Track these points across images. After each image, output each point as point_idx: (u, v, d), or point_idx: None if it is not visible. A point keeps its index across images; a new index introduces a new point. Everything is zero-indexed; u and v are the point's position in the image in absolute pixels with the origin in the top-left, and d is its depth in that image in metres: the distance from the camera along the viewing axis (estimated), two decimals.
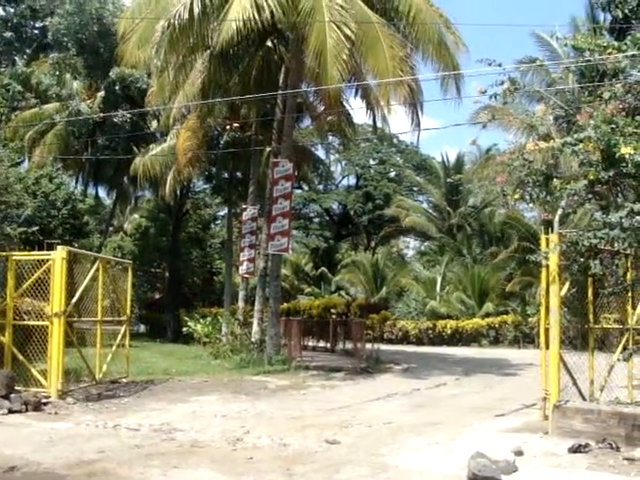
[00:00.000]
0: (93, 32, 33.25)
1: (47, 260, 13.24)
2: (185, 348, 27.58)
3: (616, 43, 10.43)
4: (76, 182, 39.02)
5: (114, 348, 15.70)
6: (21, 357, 13.05)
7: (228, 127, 29.87)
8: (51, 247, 14.42)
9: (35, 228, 24.37)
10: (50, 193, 27.27)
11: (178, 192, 35.69)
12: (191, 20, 19.82)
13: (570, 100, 25.71)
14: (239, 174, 35.58)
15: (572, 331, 11.46)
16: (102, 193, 46.30)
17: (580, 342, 11.49)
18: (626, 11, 15.88)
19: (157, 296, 45.01)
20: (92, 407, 12.57)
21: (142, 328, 44.22)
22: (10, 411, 11.36)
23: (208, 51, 22.60)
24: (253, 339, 23.44)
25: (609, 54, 10.30)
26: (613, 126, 9.38)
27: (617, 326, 12.22)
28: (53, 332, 12.89)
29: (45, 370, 12.97)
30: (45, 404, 12.15)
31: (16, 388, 12.32)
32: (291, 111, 22.61)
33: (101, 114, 31.62)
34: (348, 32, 18.61)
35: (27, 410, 11.59)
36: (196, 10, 19.74)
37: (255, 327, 24.04)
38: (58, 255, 13.15)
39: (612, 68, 10.68)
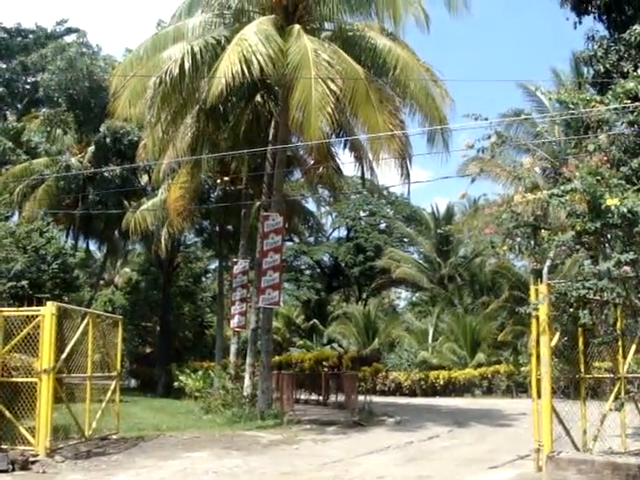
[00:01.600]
0: (84, 88, 33.64)
1: (36, 316, 13.18)
2: (176, 403, 27.32)
3: (598, 97, 10.63)
4: (67, 236, 39.02)
5: (104, 404, 15.55)
6: (8, 414, 12.87)
7: (219, 181, 30.06)
8: (41, 302, 14.37)
9: (25, 282, 24.29)
10: (40, 247, 27.20)
11: (169, 246, 35.73)
12: (182, 76, 20.19)
13: (557, 151, 26.08)
14: (230, 227, 35.69)
15: (564, 381, 11.45)
16: (93, 247, 46.40)
17: (572, 391, 11.48)
18: (607, 65, 16.21)
19: (148, 350, 44.73)
20: (81, 465, 12.40)
21: (133, 382, 43.89)
22: None
23: (198, 106, 22.89)
24: (245, 393, 23.22)
25: (592, 107, 10.49)
26: (598, 178, 9.51)
27: (608, 375, 12.23)
28: (42, 389, 12.76)
29: (33, 427, 12.78)
30: (33, 463, 11.97)
31: (2, 447, 12.18)
32: (281, 165, 22.78)
33: (91, 169, 31.83)
34: (334, 87, 18.85)
35: (14, 469, 11.43)
36: (187, 66, 20.11)
37: (247, 381, 23.85)
38: (48, 311, 13.09)
39: (596, 120, 10.85)
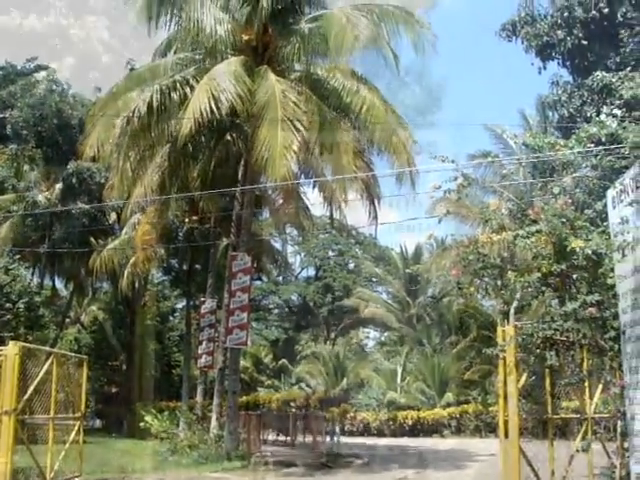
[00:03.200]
0: (52, 125, 33.50)
1: None
2: (142, 444, 26.88)
3: (563, 141, 10.84)
4: (32, 274, 38.57)
5: (67, 445, 15.21)
6: None
7: (187, 220, 30.00)
8: (4, 341, 14.12)
9: None
10: (5, 285, 26.79)
11: (136, 284, 35.44)
12: (150, 115, 20.28)
13: (523, 191, 26.38)
14: (198, 266, 35.53)
15: (531, 421, 11.44)
16: (59, 284, 45.79)
17: (540, 432, 11.46)
18: (571, 110, 16.58)
19: (114, 390, 44.04)
20: None
21: (98, 423, 43.12)
22: None
23: (168, 145, 22.90)
24: (212, 434, 22.93)
25: (557, 150, 10.68)
26: (563, 220, 9.63)
27: (576, 416, 12.24)
28: (2, 431, 12.45)
29: None
30: None
31: None
32: (249, 205, 22.81)
33: (59, 206, 31.60)
34: (300, 127, 19.04)
35: None
36: (155, 105, 20.16)
37: (214, 422, 23.58)
38: (10, 351, 12.82)
39: (561, 163, 11.04)
